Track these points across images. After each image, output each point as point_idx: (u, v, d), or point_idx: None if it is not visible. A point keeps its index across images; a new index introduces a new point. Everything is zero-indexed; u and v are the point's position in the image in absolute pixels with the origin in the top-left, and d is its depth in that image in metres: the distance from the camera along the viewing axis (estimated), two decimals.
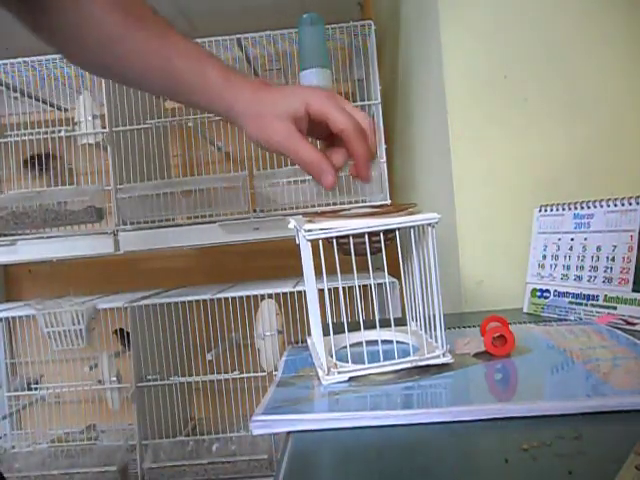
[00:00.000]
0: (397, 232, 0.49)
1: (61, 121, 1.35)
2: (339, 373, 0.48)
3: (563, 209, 0.73)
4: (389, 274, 0.52)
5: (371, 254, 0.49)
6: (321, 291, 0.51)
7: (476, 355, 0.52)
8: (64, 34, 0.56)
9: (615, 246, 0.65)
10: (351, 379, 0.48)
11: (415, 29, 1.10)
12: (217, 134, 1.47)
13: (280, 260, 1.47)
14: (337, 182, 0.52)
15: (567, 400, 0.40)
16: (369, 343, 0.52)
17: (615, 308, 0.63)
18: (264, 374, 1.31)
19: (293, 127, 0.51)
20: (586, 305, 0.67)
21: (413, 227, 0.50)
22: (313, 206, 1.26)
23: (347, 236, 0.48)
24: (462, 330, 0.64)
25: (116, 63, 0.56)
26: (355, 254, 0.49)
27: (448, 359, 0.49)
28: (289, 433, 0.41)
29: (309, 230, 0.47)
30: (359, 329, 0.53)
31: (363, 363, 0.49)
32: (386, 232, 0.49)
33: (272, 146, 0.52)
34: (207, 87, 0.54)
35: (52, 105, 1.51)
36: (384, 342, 0.52)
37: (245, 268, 1.70)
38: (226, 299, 1.31)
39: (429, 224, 0.49)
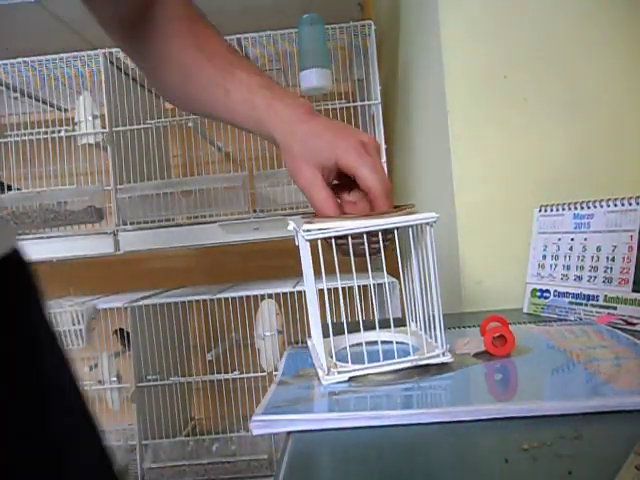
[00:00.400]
0: (396, 232, 0.49)
1: (61, 121, 1.35)
2: (339, 373, 0.48)
3: (563, 209, 0.73)
4: (389, 274, 0.52)
5: (370, 255, 0.49)
6: (321, 291, 0.51)
7: (476, 355, 0.52)
8: (149, 65, 0.62)
9: (615, 246, 0.65)
10: (351, 379, 0.48)
11: (415, 29, 1.10)
12: (217, 134, 1.47)
13: (280, 260, 1.46)
14: None
15: (567, 400, 0.40)
16: (369, 344, 0.52)
17: (615, 308, 0.63)
18: (264, 374, 1.31)
19: (319, 175, 0.52)
20: (586, 305, 0.67)
21: (411, 227, 0.50)
22: None
23: (346, 237, 0.48)
24: (462, 330, 0.64)
25: (187, 94, 0.60)
26: (354, 255, 0.49)
27: (448, 358, 0.49)
28: (289, 433, 0.41)
29: (308, 230, 0.47)
30: (359, 330, 0.53)
31: (363, 363, 0.49)
32: (385, 233, 0.49)
33: (296, 183, 0.54)
34: (255, 116, 0.55)
35: (52, 105, 1.51)
36: (384, 343, 0.52)
37: (245, 268, 1.70)
38: (226, 299, 1.31)
39: (427, 223, 0.49)
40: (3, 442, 0.42)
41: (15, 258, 0.46)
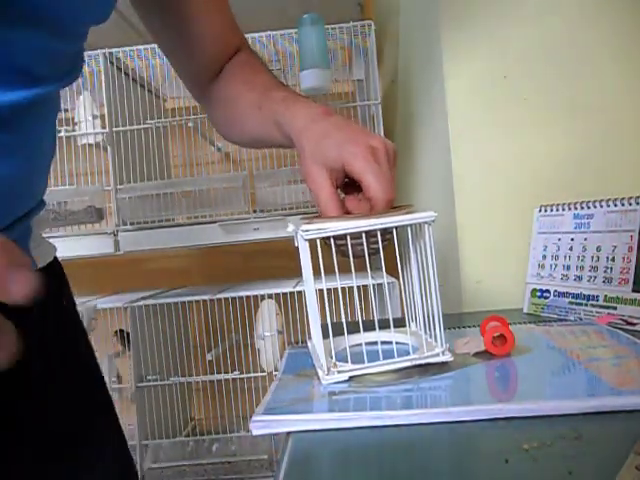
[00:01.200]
0: (395, 232, 0.49)
1: (61, 121, 1.35)
2: (339, 373, 0.48)
3: (563, 209, 0.73)
4: (388, 274, 0.52)
5: (369, 256, 0.49)
6: (320, 292, 0.51)
7: (476, 354, 0.52)
8: (211, 106, 0.69)
9: (615, 246, 0.65)
10: (351, 379, 0.48)
11: (415, 29, 1.10)
12: (217, 134, 1.46)
13: (280, 260, 1.46)
14: None
15: (567, 400, 0.40)
16: (369, 344, 0.52)
17: (615, 308, 0.63)
18: (264, 374, 1.31)
19: (326, 176, 0.52)
20: (586, 305, 0.67)
21: (410, 226, 0.50)
22: (313, 206, 1.26)
23: (345, 238, 0.48)
24: (462, 330, 0.64)
25: (233, 121, 0.66)
26: (353, 256, 0.49)
27: (448, 357, 0.49)
28: (289, 433, 0.40)
29: (307, 230, 0.48)
30: (359, 330, 0.53)
31: (363, 363, 0.49)
32: (384, 232, 0.49)
33: (305, 182, 0.55)
34: (278, 124, 0.58)
35: None
36: (384, 343, 0.52)
37: (245, 268, 1.70)
38: (226, 299, 1.31)
39: (426, 222, 0.49)
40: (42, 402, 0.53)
41: (55, 264, 0.60)
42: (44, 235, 0.60)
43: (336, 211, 0.51)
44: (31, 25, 0.41)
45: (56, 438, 0.53)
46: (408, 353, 0.51)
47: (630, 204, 0.64)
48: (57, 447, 0.53)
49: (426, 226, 0.49)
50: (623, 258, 0.64)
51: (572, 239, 0.71)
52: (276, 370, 0.52)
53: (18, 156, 0.44)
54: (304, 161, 0.53)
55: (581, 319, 0.66)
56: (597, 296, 0.66)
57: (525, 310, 0.75)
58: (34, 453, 0.51)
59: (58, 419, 0.53)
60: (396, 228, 0.49)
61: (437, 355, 0.49)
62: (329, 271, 0.48)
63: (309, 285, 0.52)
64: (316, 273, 0.49)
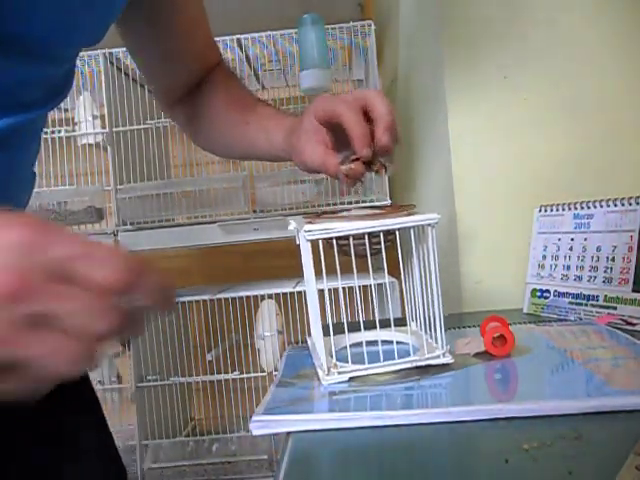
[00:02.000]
0: (397, 233, 0.49)
1: (61, 121, 1.35)
2: (339, 373, 0.48)
3: (563, 209, 0.73)
4: (389, 274, 0.52)
5: (371, 255, 0.49)
6: (321, 291, 0.51)
7: (476, 355, 0.52)
8: (191, 120, 0.71)
9: (615, 246, 0.65)
10: (351, 379, 0.48)
11: (415, 29, 1.10)
12: None
13: (280, 260, 1.46)
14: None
15: (567, 400, 0.40)
16: (369, 343, 0.52)
17: (615, 308, 0.63)
18: (264, 374, 1.31)
19: (316, 140, 0.55)
20: (586, 305, 0.67)
21: (413, 228, 0.50)
22: (313, 206, 1.26)
23: (347, 237, 0.48)
24: (462, 330, 0.64)
25: (217, 135, 0.69)
26: (355, 255, 0.49)
27: (448, 359, 0.49)
28: (289, 433, 0.41)
29: (309, 230, 0.48)
30: (359, 329, 0.53)
31: (363, 363, 0.49)
32: (386, 233, 0.49)
33: (305, 165, 0.57)
34: (269, 138, 0.62)
35: None
36: (384, 342, 0.52)
37: (245, 268, 1.70)
38: (226, 299, 1.31)
39: (429, 224, 0.49)
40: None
41: None
42: None
43: (333, 160, 0.53)
44: (20, 53, 0.40)
45: (51, 437, 0.53)
46: (409, 353, 0.51)
47: (630, 204, 0.64)
48: (53, 445, 0.53)
49: (429, 228, 0.49)
50: (623, 258, 0.64)
51: (572, 239, 0.71)
52: (276, 370, 0.52)
53: (6, 170, 0.45)
54: (298, 142, 0.56)
55: (581, 319, 0.66)
56: (597, 296, 0.66)
57: (525, 310, 0.75)
58: (32, 452, 0.51)
59: (51, 418, 0.53)
60: (399, 229, 0.49)
61: (438, 357, 0.49)
62: (330, 270, 0.48)
63: (310, 285, 0.52)
64: (317, 271, 0.49)
